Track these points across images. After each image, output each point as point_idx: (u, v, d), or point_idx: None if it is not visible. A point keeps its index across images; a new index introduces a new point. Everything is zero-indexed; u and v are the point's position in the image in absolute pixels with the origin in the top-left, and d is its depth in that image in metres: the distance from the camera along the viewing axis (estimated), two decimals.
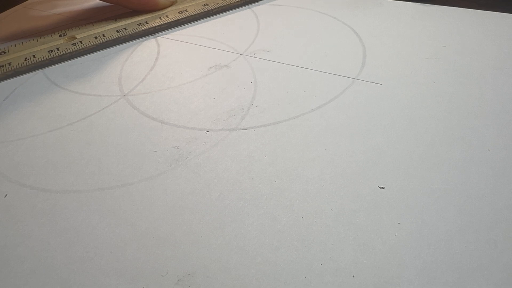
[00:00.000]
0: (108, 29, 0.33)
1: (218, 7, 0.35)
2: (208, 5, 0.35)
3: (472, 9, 0.31)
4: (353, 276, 0.15)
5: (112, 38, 0.32)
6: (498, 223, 0.17)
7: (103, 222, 0.18)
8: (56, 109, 0.26)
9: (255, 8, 0.35)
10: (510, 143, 0.20)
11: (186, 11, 0.34)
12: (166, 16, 0.34)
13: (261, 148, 0.21)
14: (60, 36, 0.33)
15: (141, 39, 0.32)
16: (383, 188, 0.18)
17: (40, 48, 0.31)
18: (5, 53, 0.31)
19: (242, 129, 0.23)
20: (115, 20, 0.34)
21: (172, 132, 0.23)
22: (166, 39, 0.32)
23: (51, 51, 0.31)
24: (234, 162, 0.21)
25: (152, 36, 0.33)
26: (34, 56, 0.30)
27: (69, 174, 0.21)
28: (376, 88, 0.24)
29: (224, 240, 0.17)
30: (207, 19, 0.34)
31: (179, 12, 0.34)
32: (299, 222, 0.17)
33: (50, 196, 0.20)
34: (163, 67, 0.29)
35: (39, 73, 0.30)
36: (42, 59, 0.30)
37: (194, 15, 0.34)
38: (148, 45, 0.32)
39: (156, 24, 0.33)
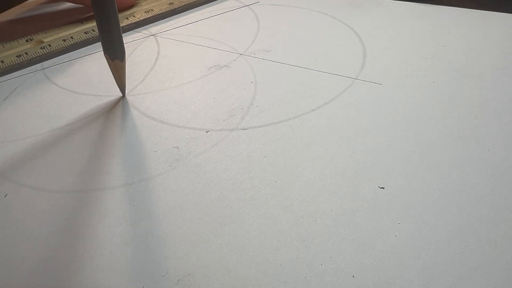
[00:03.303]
0: (76, 31, 0.33)
1: (184, 5, 0.36)
2: (173, 3, 0.36)
3: (472, 9, 0.31)
4: (353, 276, 0.15)
5: (81, 39, 0.32)
6: (498, 223, 0.17)
7: (103, 222, 0.18)
8: (56, 109, 0.26)
9: (255, 8, 0.35)
10: (510, 143, 0.20)
11: (153, 11, 0.35)
12: (133, 16, 0.34)
13: (261, 148, 0.21)
14: (26, 41, 0.32)
15: (140, 39, 0.32)
16: (383, 188, 0.18)
17: (8, 53, 0.31)
18: None
19: (242, 129, 0.23)
20: (82, 23, 0.34)
21: (172, 132, 0.23)
22: (166, 39, 0.32)
23: (20, 55, 0.30)
24: (234, 162, 0.21)
25: (152, 36, 0.33)
26: (2, 62, 0.30)
27: (69, 174, 0.21)
28: (376, 88, 0.24)
29: (224, 240, 0.17)
30: (207, 19, 0.34)
31: (145, 12, 0.35)
32: (299, 222, 0.17)
33: (50, 196, 0.20)
34: (163, 67, 0.29)
35: (39, 73, 0.30)
36: (11, 63, 0.30)
37: (161, 13, 0.35)
38: (148, 45, 0.32)
39: (123, 24, 0.33)
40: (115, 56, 0.24)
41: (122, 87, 0.26)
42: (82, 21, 0.34)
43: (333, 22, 0.32)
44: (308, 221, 0.17)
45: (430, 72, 0.25)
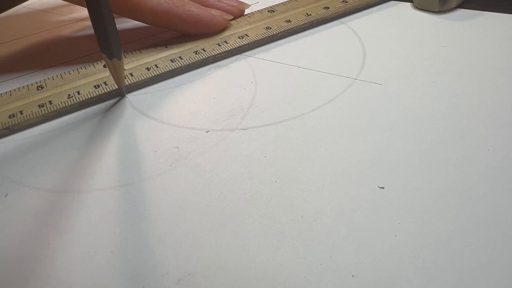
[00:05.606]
0: (160, 58, 0.28)
1: (283, 31, 0.30)
2: (271, 28, 0.30)
3: (473, 9, 0.31)
4: (353, 276, 0.15)
5: (167, 69, 0.27)
6: (498, 223, 0.17)
7: (103, 222, 0.18)
8: None
9: None
10: (510, 143, 0.20)
11: (247, 36, 0.29)
12: (226, 42, 0.29)
13: (261, 148, 0.21)
14: (104, 66, 0.27)
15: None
16: (383, 188, 0.18)
17: (84, 82, 0.26)
18: (42, 88, 0.26)
19: (242, 129, 0.23)
20: (166, 47, 0.29)
21: (172, 132, 0.23)
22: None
23: (98, 86, 0.26)
24: (234, 162, 0.21)
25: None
26: (78, 93, 0.25)
27: (69, 174, 0.21)
28: (376, 88, 0.24)
29: (224, 240, 0.17)
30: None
31: (239, 37, 0.29)
32: (299, 222, 0.17)
33: (50, 196, 0.20)
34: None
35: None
36: (89, 96, 0.25)
37: (257, 40, 0.29)
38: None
39: (216, 52, 0.28)
40: (112, 55, 0.24)
41: (121, 87, 0.25)
42: (165, 44, 0.29)
43: (333, 22, 0.32)
44: (308, 221, 0.17)
45: (430, 72, 0.25)
